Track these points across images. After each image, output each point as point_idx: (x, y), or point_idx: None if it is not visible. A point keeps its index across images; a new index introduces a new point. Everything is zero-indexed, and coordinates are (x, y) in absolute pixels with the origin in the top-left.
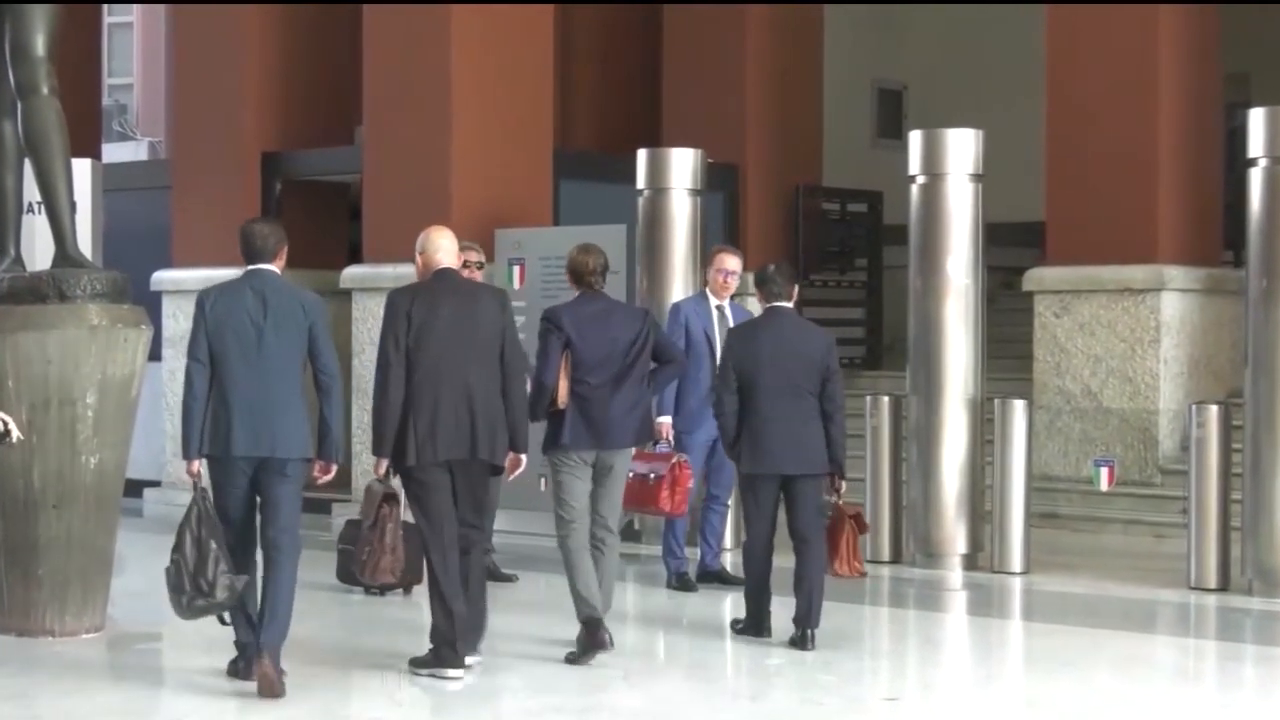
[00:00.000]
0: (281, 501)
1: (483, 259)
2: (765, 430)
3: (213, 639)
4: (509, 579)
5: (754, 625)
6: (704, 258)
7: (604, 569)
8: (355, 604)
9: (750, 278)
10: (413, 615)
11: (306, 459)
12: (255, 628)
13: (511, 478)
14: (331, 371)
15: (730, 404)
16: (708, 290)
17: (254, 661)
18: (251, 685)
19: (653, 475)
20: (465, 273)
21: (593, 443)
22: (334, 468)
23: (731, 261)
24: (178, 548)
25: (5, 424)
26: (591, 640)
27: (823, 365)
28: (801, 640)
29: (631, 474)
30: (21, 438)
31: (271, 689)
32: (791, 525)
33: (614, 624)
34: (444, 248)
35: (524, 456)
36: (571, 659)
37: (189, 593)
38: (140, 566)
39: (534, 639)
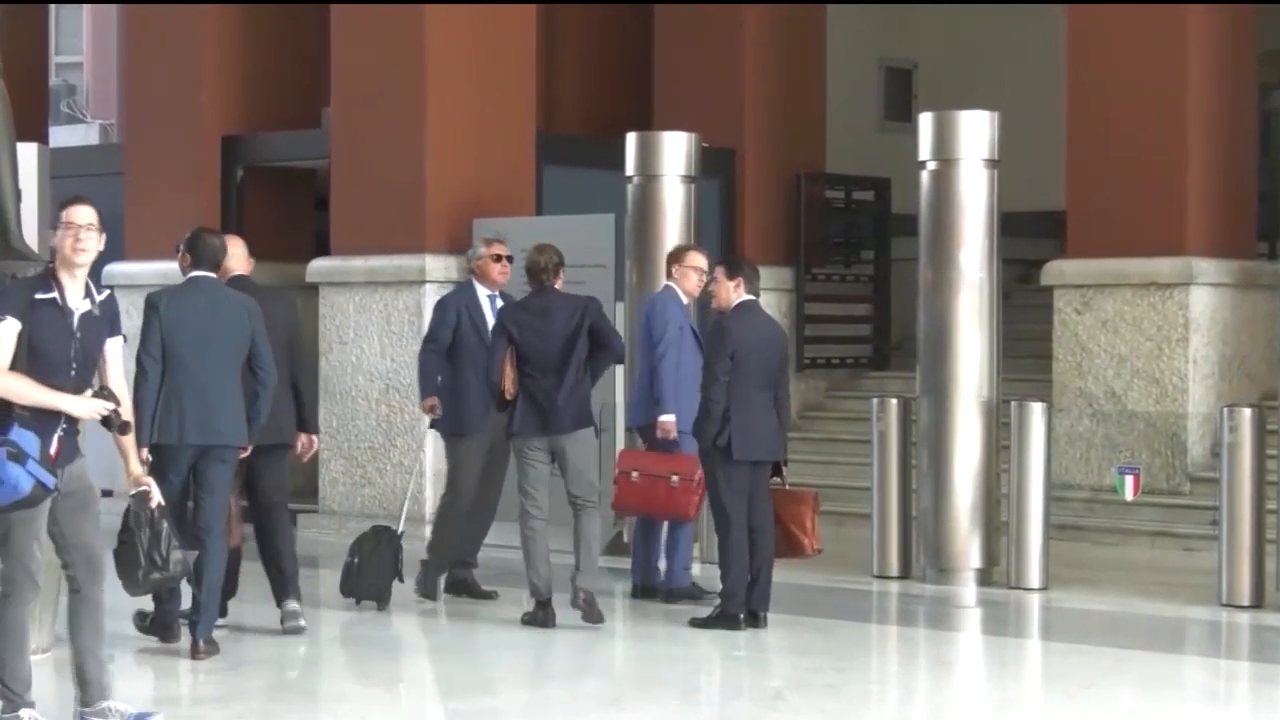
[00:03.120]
0: (216, 485)
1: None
2: (753, 418)
3: (163, 664)
4: (489, 596)
5: (734, 619)
6: (673, 254)
7: (583, 533)
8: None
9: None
10: (393, 634)
11: (241, 446)
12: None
13: (306, 458)
14: (269, 369)
15: (724, 391)
16: (675, 287)
17: (171, 629)
18: (209, 712)
19: (676, 478)
20: (498, 267)
21: (539, 429)
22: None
23: (705, 260)
24: (125, 528)
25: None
26: (542, 615)
27: (784, 357)
28: (755, 620)
29: (637, 474)
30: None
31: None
32: (747, 513)
33: (604, 642)
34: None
35: (315, 437)
36: (526, 619)
37: (144, 567)
38: None
39: (517, 658)
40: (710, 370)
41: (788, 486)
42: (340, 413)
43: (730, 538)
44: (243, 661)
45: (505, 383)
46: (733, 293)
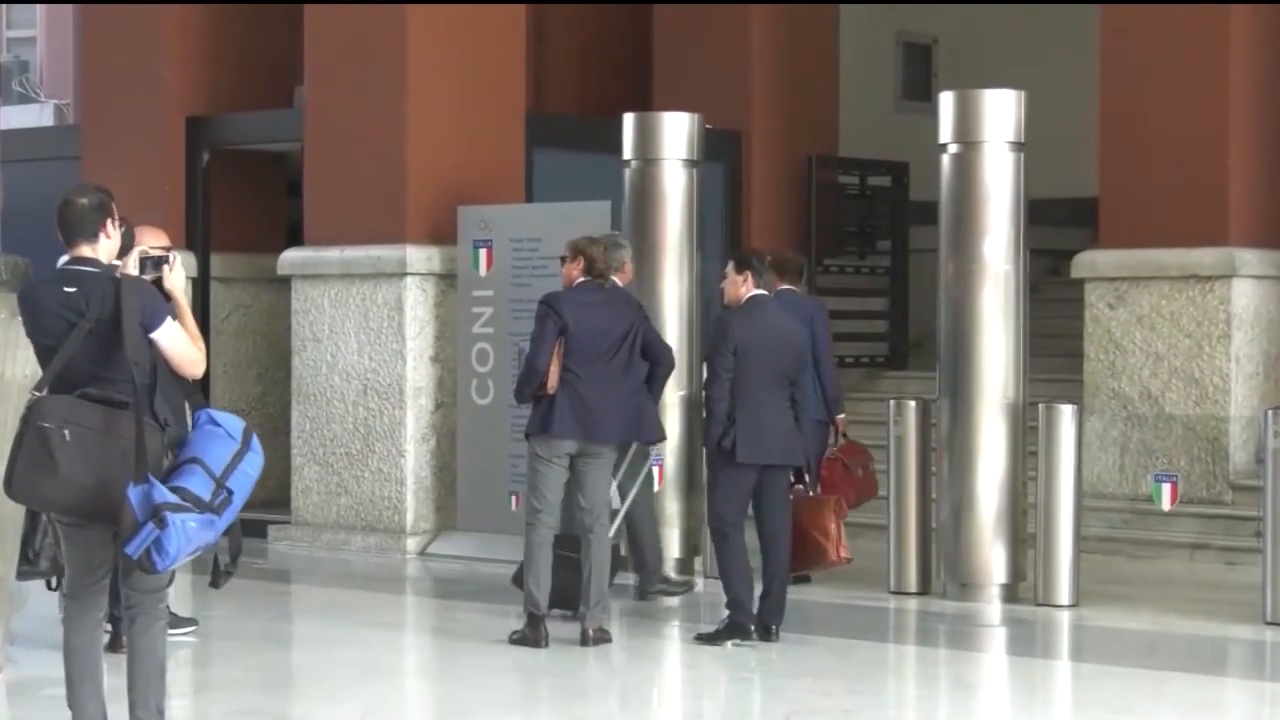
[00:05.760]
0: None
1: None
2: (762, 418)
3: (117, 686)
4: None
5: (744, 629)
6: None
7: (592, 558)
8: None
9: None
10: (372, 654)
11: None
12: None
13: None
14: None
15: (727, 389)
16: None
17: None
18: None
19: (861, 469)
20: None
21: (580, 433)
22: None
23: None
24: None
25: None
26: (532, 634)
27: (803, 357)
28: (767, 634)
29: (863, 470)
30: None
31: None
32: (760, 520)
33: (602, 662)
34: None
35: None
36: (514, 639)
37: (17, 563)
38: (46, 599)
39: (505, 680)
40: (711, 368)
41: (811, 492)
42: (314, 415)
43: (727, 544)
44: (209, 685)
45: (551, 377)
46: (741, 288)
